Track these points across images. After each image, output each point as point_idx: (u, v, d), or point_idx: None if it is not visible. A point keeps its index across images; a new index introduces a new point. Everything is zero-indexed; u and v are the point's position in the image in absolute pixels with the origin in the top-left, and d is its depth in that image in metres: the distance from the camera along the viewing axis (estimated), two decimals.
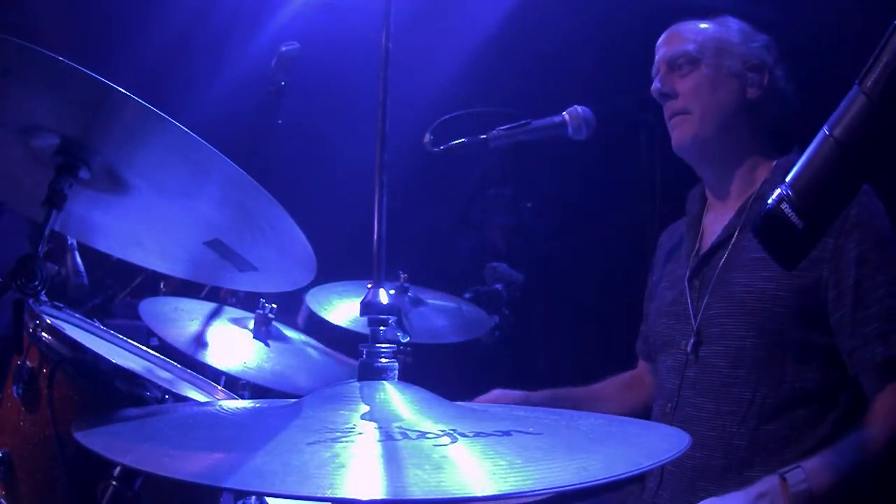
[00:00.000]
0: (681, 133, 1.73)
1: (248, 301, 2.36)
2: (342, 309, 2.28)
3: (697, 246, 1.76)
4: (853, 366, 1.46)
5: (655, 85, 1.77)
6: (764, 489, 1.35)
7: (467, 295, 2.83)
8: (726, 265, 1.64)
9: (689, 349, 1.64)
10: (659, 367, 1.77)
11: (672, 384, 1.66)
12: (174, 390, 1.23)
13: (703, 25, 1.77)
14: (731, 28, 1.75)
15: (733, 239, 1.65)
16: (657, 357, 1.79)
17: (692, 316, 1.66)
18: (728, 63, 1.70)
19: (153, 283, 3.51)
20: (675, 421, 1.63)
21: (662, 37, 1.81)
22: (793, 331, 1.51)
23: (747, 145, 1.71)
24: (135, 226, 1.39)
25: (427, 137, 1.89)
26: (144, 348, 1.61)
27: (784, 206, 0.87)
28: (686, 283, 1.71)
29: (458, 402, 1.01)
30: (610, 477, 0.67)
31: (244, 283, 1.49)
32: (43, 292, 1.13)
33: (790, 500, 1.31)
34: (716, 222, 1.75)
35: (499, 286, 2.80)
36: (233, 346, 1.97)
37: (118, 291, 3.66)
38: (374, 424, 0.78)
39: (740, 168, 1.72)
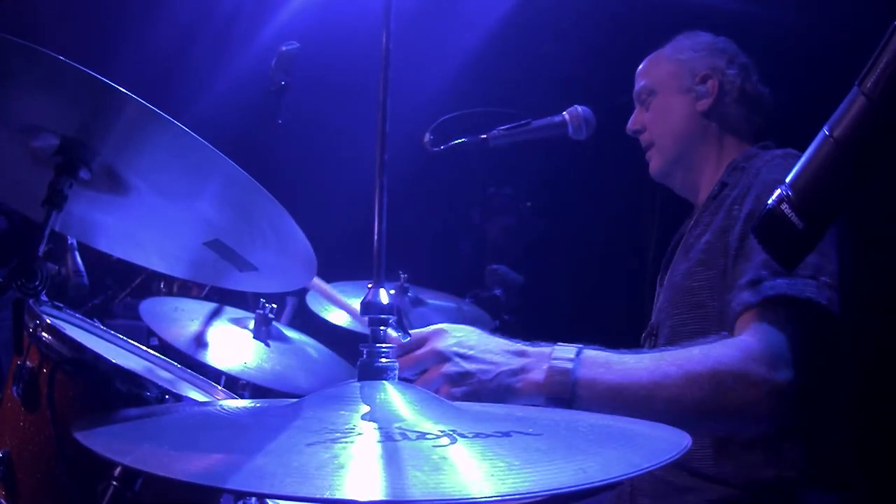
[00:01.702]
0: (651, 166, 1.81)
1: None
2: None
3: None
4: (729, 319, 1.38)
5: (628, 126, 1.83)
6: (533, 350, 1.26)
7: (467, 300, 2.84)
8: (675, 261, 1.67)
9: (648, 345, 1.67)
10: None
11: None
12: (174, 390, 1.23)
13: (661, 53, 1.81)
14: (682, 45, 1.79)
15: (685, 237, 1.68)
16: None
17: (654, 314, 1.71)
18: (677, 83, 1.75)
19: (153, 283, 3.51)
20: None
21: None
22: (713, 300, 1.48)
23: (710, 154, 1.74)
24: (135, 226, 1.39)
25: (427, 137, 1.90)
26: (144, 348, 1.61)
27: (784, 206, 0.87)
28: (658, 286, 1.77)
29: (459, 402, 1.02)
30: (608, 479, 0.67)
31: (244, 283, 1.48)
32: (43, 292, 1.13)
33: (548, 371, 1.22)
34: None
35: (498, 291, 2.79)
36: (233, 346, 1.97)
37: (118, 291, 3.65)
38: (375, 425, 0.78)
39: (707, 176, 1.74)
